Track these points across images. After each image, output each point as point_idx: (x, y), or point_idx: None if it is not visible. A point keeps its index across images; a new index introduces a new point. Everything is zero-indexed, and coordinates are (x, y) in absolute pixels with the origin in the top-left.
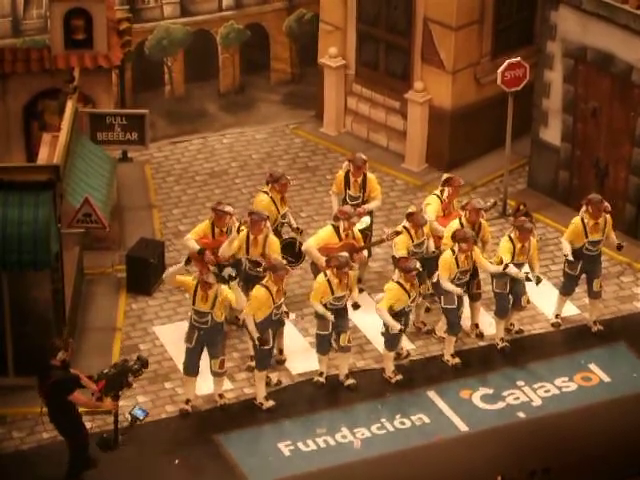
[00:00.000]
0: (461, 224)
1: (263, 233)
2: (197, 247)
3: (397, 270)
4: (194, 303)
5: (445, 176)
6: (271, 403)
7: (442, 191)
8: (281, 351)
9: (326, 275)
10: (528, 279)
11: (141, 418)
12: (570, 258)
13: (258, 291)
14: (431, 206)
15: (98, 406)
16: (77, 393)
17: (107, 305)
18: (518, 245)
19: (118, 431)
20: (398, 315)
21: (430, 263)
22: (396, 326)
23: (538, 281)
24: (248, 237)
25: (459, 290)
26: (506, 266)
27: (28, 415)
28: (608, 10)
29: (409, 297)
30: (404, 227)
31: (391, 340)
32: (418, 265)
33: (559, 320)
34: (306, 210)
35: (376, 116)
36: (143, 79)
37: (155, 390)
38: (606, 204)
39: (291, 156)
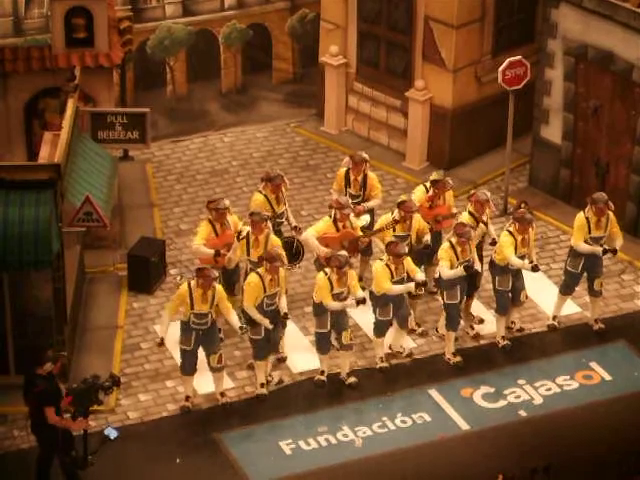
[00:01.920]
0: (470, 214)
1: (264, 233)
2: (211, 251)
3: (386, 255)
4: (193, 307)
5: (434, 176)
6: (264, 391)
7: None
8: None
9: (326, 273)
10: (535, 269)
11: (112, 438)
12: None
13: (251, 277)
14: (415, 195)
15: (69, 426)
16: (52, 409)
17: (108, 304)
18: (519, 238)
19: (87, 450)
20: (385, 299)
21: (425, 255)
22: (394, 289)
23: (535, 269)
24: (248, 238)
25: (461, 270)
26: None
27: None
28: (609, 8)
29: (392, 278)
30: (394, 219)
31: (379, 326)
32: (406, 250)
33: (555, 323)
34: (307, 209)
35: (377, 114)
36: (145, 78)
37: (156, 388)
38: (610, 204)
39: (292, 154)
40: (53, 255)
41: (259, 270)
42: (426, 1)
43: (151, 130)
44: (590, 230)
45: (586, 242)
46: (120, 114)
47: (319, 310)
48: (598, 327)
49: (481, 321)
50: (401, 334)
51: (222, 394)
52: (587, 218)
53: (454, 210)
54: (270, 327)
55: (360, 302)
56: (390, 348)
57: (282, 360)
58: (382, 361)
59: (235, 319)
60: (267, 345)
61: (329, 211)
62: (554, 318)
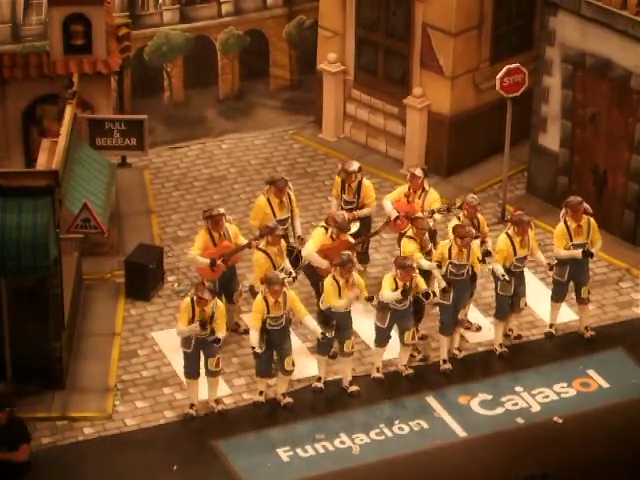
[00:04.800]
0: (458, 219)
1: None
2: (206, 261)
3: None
4: (193, 320)
5: (411, 171)
6: (261, 399)
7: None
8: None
9: (335, 278)
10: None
11: None
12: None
13: (256, 299)
14: (395, 191)
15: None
16: None
17: (106, 311)
18: (517, 239)
19: None
20: (383, 306)
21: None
22: (393, 296)
23: (551, 268)
24: (268, 253)
25: (442, 283)
26: (483, 259)
27: (27, 420)
28: (607, 16)
29: (396, 288)
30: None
31: (377, 334)
32: (415, 265)
33: (552, 330)
34: (305, 216)
35: (375, 122)
36: (142, 85)
37: (154, 395)
38: (586, 205)
39: (290, 162)
40: (51, 262)
41: (263, 292)
42: (424, 8)
43: (149, 137)
44: (571, 237)
45: (567, 249)
46: (118, 121)
47: (325, 318)
48: (590, 335)
49: (478, 329)
50: (404, 351)
51: (217, 401)
52: (566, 224)
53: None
54: (259, 351)
55: (368, 300)
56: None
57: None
58: (378, 371)
59: (223, 335)
60: (269, 362)
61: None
62: (551, 326)
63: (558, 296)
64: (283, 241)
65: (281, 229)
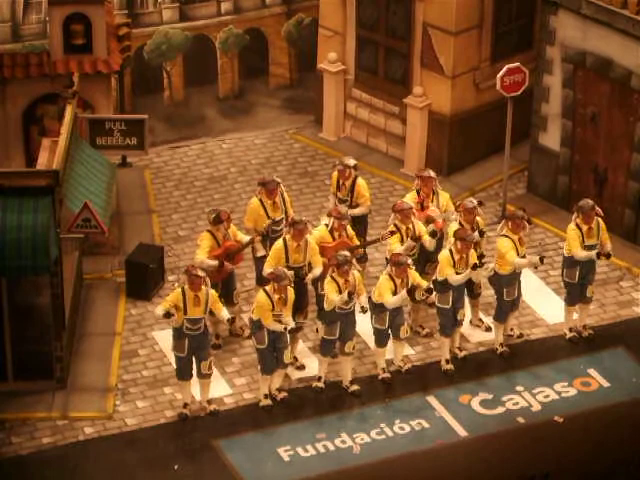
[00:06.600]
0: (460, 224)
1: (304, 239)
2: (215, 262)
3: (389, 265)
4: (186, 313)
5: (425, 174)
6: (269, 402)
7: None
8: (295, 358)
9: (334, 279)
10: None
11: None
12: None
13: (259, 295)
14: (405, 198)
15: None
16: None
17: (106, 310)
18: (516, 237)
19: None
20: (381, 308)
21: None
22: (398, 298)
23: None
24: (286, 246)
25: (461, 277)
26: (475, 266)
27: (27, 420)
28: (607, 15)
29: (395, 289)
30: (395, 225)
31: (377, 335)
32: (410, 261)
33: (575, 334)
34: (305, 215)
35: (375, 121)
36: (142, 84)
37: (154, 395)
38: (597, 209)
39: (290, 161)
40: (51, 261)
41: (267, 288)
42: (424, 7)
43: (149, 136)
44: (583, 239)
45: None
46: (118, 120)
47: (328, 318)
48: (587, 333)
49: (488, 329)
50: (399, 346)
51: (209, 402)
52: (578, 226)
53: (451, 210)
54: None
55: (362, 310)
56: (392, 363)
57: (301, 368)
58: (384, 372)
59: (225, 313)
60: (271, 357)
61: (327, 218)
62: (571, 330)
63: (573, 299)
64: (310, 240)
65: (305, 224)
